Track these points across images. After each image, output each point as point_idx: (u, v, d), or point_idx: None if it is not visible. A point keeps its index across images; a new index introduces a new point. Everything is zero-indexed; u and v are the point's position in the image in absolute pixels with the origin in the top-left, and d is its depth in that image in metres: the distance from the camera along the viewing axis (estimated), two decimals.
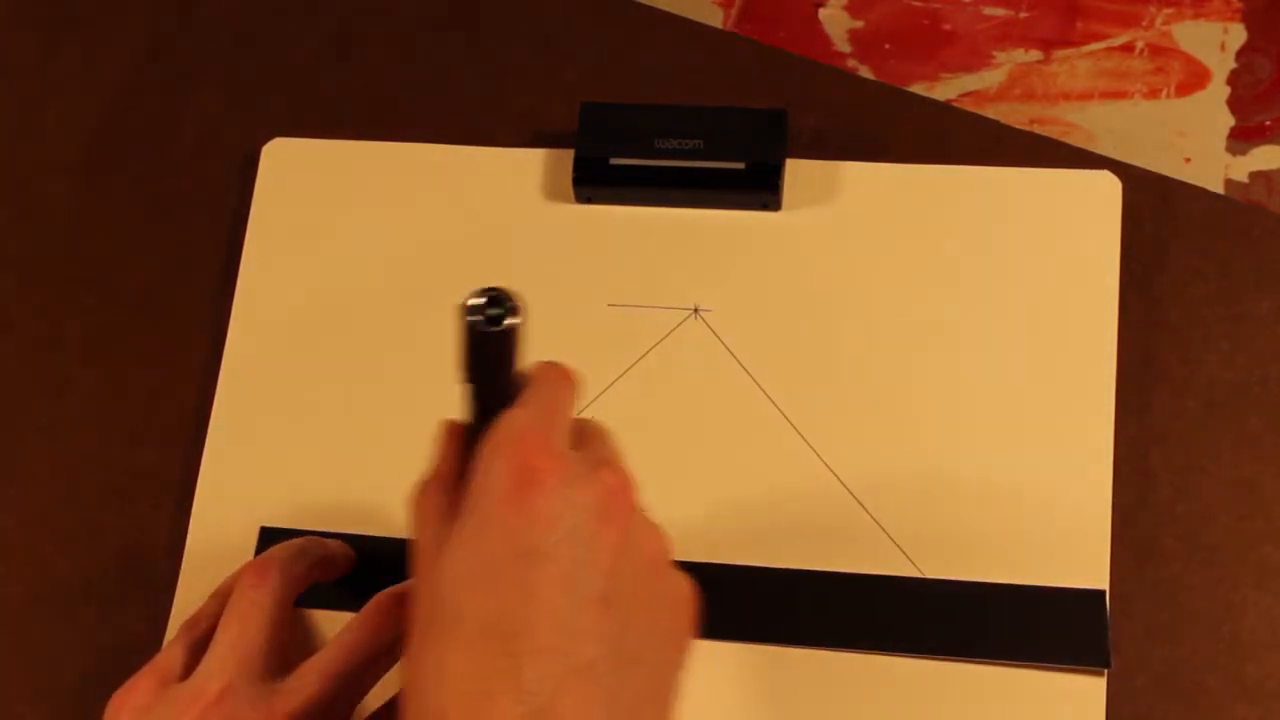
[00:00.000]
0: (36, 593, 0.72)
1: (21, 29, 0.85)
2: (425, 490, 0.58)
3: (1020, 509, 0.68)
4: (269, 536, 0.71)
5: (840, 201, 0.74)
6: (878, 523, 0.68)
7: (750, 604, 0.68)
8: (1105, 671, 0.65)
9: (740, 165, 0.74)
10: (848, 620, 0.67)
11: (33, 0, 0.85)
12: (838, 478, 0.69)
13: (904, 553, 0.68)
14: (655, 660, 0.56)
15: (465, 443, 0.57)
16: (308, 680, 0.62)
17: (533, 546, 0.53)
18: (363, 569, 0.69)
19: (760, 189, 0.74)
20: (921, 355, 0.71)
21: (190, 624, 0.66)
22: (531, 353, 0.73)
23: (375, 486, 0.71)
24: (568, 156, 0.75)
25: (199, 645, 0.64)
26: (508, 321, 0.55)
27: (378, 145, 0.78)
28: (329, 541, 0.69)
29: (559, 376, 0.59)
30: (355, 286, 0.75)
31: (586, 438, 0.59)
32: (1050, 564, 0.67)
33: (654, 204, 0.75)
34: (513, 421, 0.56)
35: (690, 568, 0.69)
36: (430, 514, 0.57)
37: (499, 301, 0.55)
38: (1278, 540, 0.68)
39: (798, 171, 0.75)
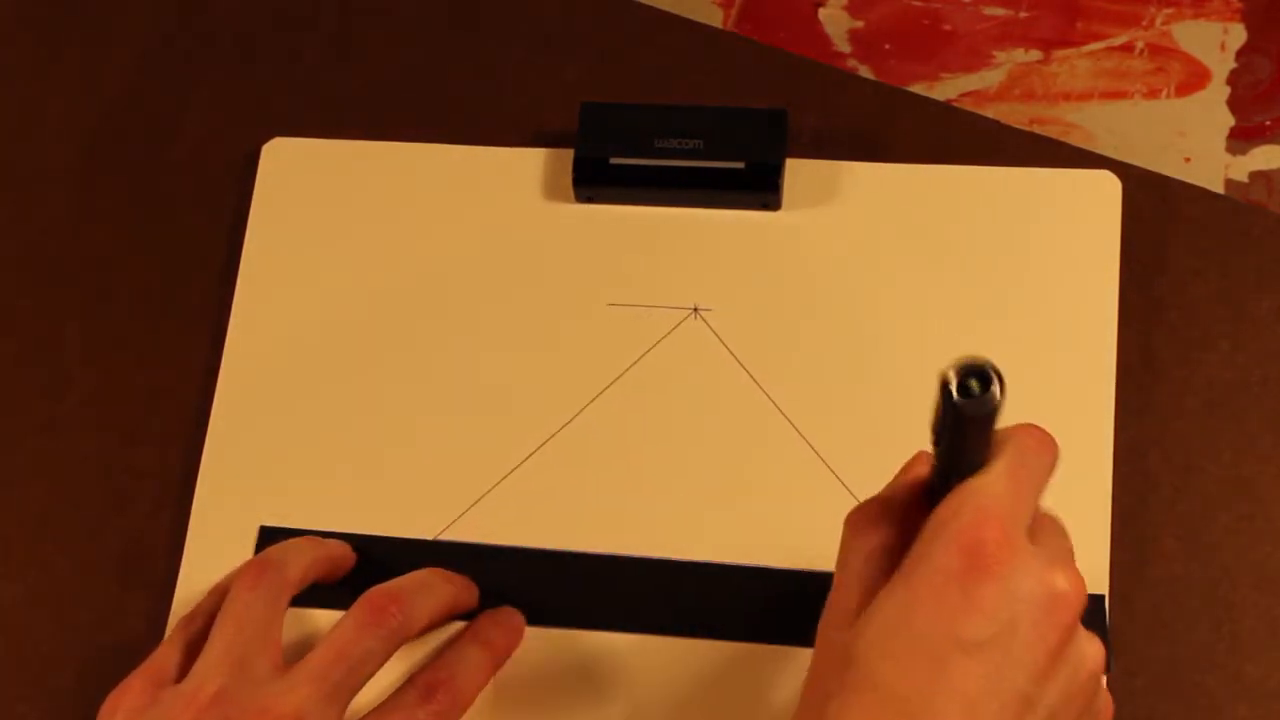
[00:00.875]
0: (36, 593, 0.72)
1: (22, 30, 0.85)
2: (866, 528, 0.56)
3: None
4: (269, 536, 0.71)
5: (840, 201, 0.74)
6: None
7: (754, 603, 0.68)
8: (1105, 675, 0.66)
9: (740, 165, 0.74)
10: None
11: (33, 1, 0.85)
12: (838, 478, 0.69)
13: None
14: None
15: (924, 494, 0.56)
16: (300, 680, 0.62)
17: (965, 635, 0.52)
18: (363, 568, 0.69)
19: (760, 189, 0.74)
20: (921, 355, 0.71)
21: (187, 620, 0.66)
22: (531, 353, 0.73)
23: (375, 486, 0.71)
24: (568, 156, 0.75)
25: (195, 643, 0.64)
26: (992, 399, 0.52)
27: (378, 145, 0.78)
28: (329, 541, 0.69)
29: (1039, 446, 0.56)
30: (355, 286, 0.75)
31: (1044, 530, 0.56)
32: None
33: (654, 204, 0.75)
34: (977, 495, 0.53)
35: (690, 567, 0.69)
36: (861, 559, 0.56)
37: (983, 376, 0.52)
38: (1278, 540, 0.68)
39: (798, 171, 0.75)
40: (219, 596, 0.66)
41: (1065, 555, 0.56)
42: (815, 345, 0.72)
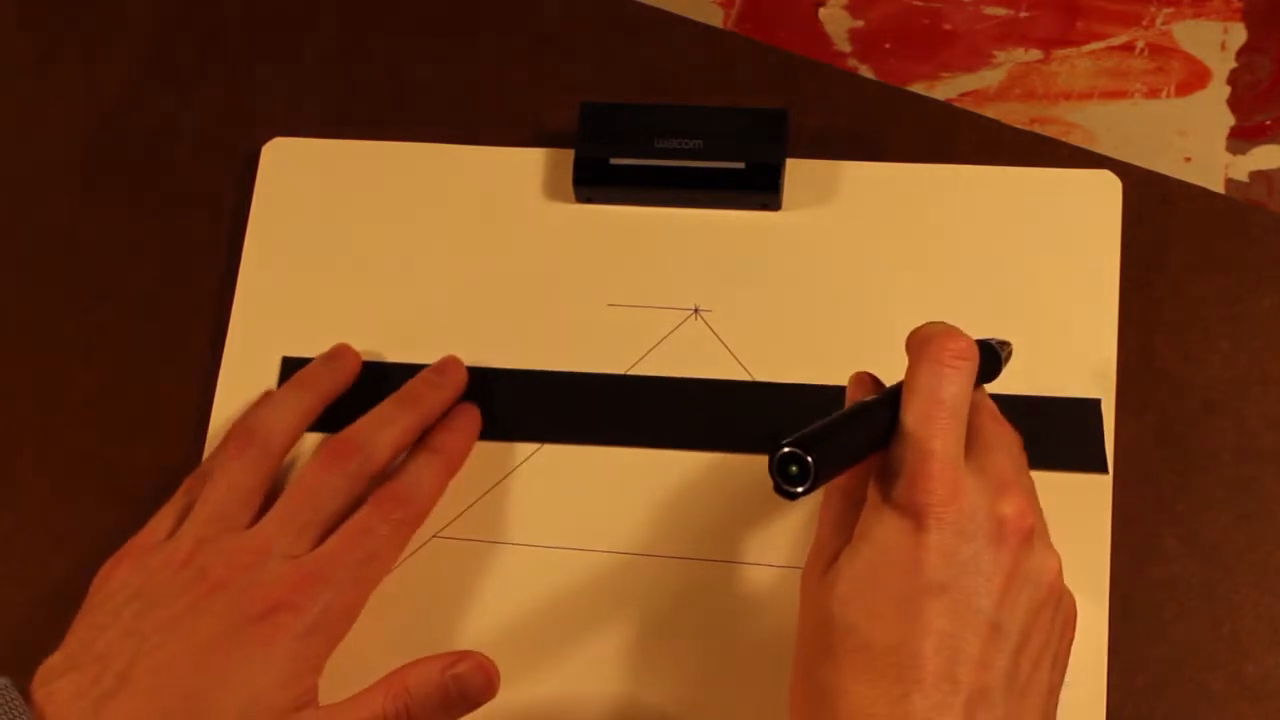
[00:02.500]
0: (35, 593, 0.72)
1: (21, 30, 0.84)
2: (828, 494, 0.61)
3: None
4: None
5: (840, 201, 0.74)
6: None
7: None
8: (1108, 474, 0.68)
9: (740, 165, 0.74)
10: None
11: (33, 1, 0.85)
12: None
13: None
14: (1044, 687, 0.58)
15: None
16: (268, 521, 0.66)
17: (931, 580, 0.56)
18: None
19: (760, 189, 0.74)
20: None
21: (181, 493, 0.69)
22: (532, 353, 0.73)
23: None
24: (568, 156, 0.75)
25: (185, 512, 0.68)
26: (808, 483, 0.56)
27: (378, 145, 0.78)
28: (315, 383, 0.72)
29: (942, 373, 0.59)
30: (355, 286, 0.75)
31: (981, 446, 0.60)
32: None
33: (654, 204, 0.75)
34: (909, 456, 0.58)
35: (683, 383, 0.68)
36: (828, 520, 0.61)
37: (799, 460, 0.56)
38: (1278, 540, 0.68)
39: (798, 171, 0.75)
40: (216, 462, 0.69)
41: (1005, 477, 0.59)
42: (815, 345, 0.72)
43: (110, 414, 0.75)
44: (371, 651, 0.67)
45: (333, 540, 0.66)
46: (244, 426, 0.69)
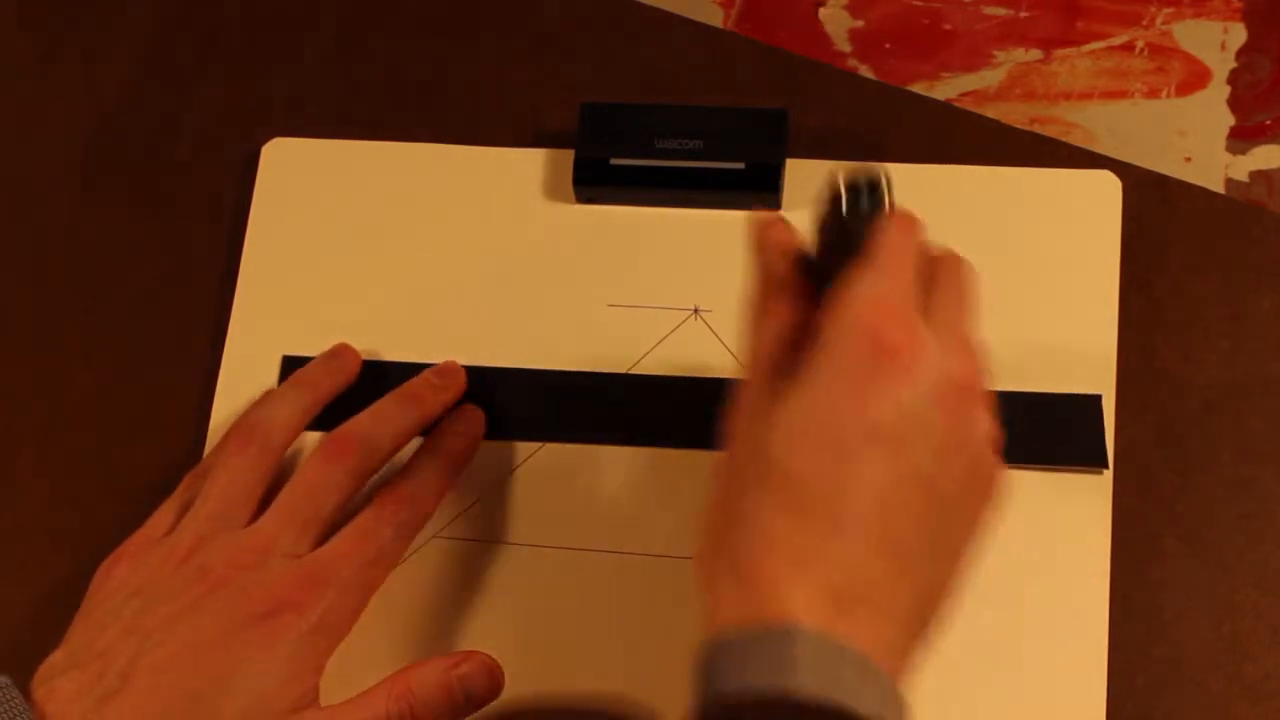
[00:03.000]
0: (35, 593, 0.72)
1: (21, 29, 0.85)
2: (768, 310, 0.59)
3: (1020, 508, 0.68)
4: None
5: None
6: None
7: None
8: (1107, 471, 0.68)
9: (740, 165, 0.74)
10: None
11: (33, 1, 0.85)
12: None
13: None
14: (962, 552, 0.57)
15: (805, 271, 0.59)
16: (269, 519, 0.66)
17: (874, 422, 0.54)
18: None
19: (760, 189, 0.74)
20: None
21: (183, 488, 0.69)
22: (532, 354, 0.73)
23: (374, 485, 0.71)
24: (568, 156, 0.75)
25: (187, 507, 0.67)
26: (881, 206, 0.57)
27: (378, 145, 0.78)
28: (317, 381, 0.71)
29: (905, 226, 0.59)
30: (355, 286, 0.75)
31: (935, 305, 0.58)
32: (1050, 565, 0.67)
33: (654, 204, 0.75)
34: (867, 288, 0.56)
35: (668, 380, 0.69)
36: (768, 342, 0.59)
37: (872, 184, 0.57)
38: (1278, 540, 0.68)
39: (798, 172, 0.74)
40: (217, 459, 0.69)
41: (957, 334, 0.58)
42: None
43: (110, 414, 0.75)
44: (372, 651, 0.67)
45: (336, 541, 0.66)
46: (244, 423, 0.69)
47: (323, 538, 0.66)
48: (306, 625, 0.63)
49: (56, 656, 0.64)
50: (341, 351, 0.73)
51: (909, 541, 0.54)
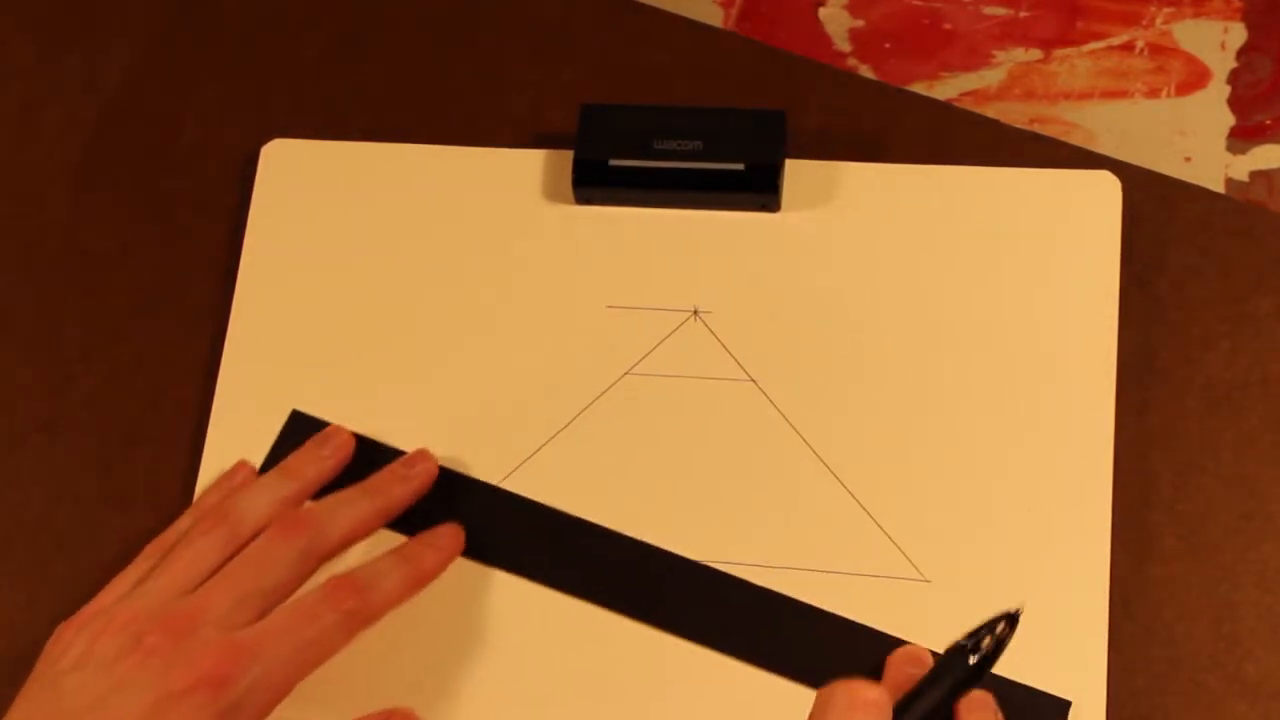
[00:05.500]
0: (36, 594, 0.72)
1: (21, 29, 0.85)
2: None
3: (1020, 509, 0.68)
4: None
5: (840, 202, 0.74)
6: (878, 523, 0.68)
7: (740, 617, 0.68)
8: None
9: (739, 166, 0.74)
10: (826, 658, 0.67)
11: (33, 1, 0.85)
12: (838, 478, 0.69)
13: (903, 553, 0.68)
14: None
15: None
16: (211, 586, 0.65)
17: None
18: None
19: (760, 190, 0.74)
20: (921, 356, 0.71)
21: (141, 559, 0.68)
22: (531, 355, 0.73)
23: None
24: (567, 157, 0.75)
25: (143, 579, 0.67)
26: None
27: (378, 146, 0.78)
28: (297, 474, 0.70)
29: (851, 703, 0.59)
30: (355, 287, 0.75)
31: None
32: (1050, 565, 0.67)
33: (653, 205, 0.75)
34: None
35: (689, 567, 0.69)
36: None
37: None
38: (1278, 540, 0.68)
39: (797, 172, 0.74)
40: (191, 518, 0.69)
41: None
42: (815, 346, 0.72)
43: (110, 414, 0.75)
44: (354, 675, 0.67)
45: (275, 615, 0.64)
46: (218, 508, 0.68)
47: (262, 613, 0.64)
48: (225, 703, 0.62)
49: None
50: (331, 437, 0.72)
51: None
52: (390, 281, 0.75)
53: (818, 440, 0.70)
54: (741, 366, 0.72)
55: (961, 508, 0.68)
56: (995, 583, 0.67)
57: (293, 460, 0.71)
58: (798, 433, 0.70)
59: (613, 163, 0.74)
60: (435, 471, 0.71)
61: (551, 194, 0.76)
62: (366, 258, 0.76)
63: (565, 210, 0.76)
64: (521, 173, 0.76)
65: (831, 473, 0.69)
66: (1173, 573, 0.68)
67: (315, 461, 0.71)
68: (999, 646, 0.60)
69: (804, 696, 0.61)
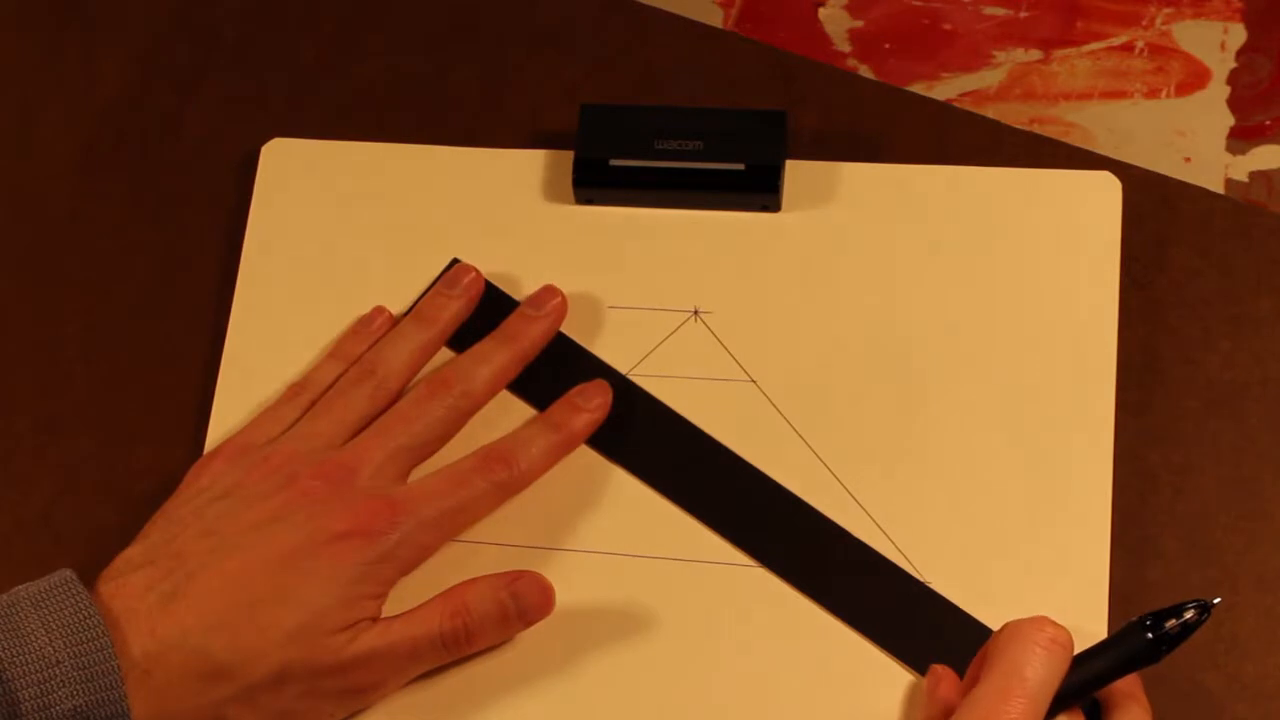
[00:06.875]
0: None
1: (21, 29, 0.84)
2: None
3: (1020, 508, 0.68)
4: None
5: (840, 202, 0.74)
6: (877, 524, 0.68)
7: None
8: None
9: (740, 166, 0.74)
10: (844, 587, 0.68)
11: (33, 1, 0.85)
12: (837, 479, 0.69)
13: (903, 553, 0.68)
14: None
15: None
16: (362, 439, 0.68)
17: None
18: None
19: (760, 190, 0.74)
20: (921, 356, 0.71)
21: (293, 393, 0.71)
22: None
23: None
24: (568, 157, 0.75)
25: (286, 420, 0.70)
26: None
27: (378, 145, 0.78)
28: (440, 316, 0.72)
29: (1032, 637, 0.60)
30: (355, 287, 0.75)
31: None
32: (1050, 565, 0.67)
33: (654, 205, 0.75)
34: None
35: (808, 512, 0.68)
36: None
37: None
38: (1278, 540, 0.68)
39: (798, 172, 0.75)
40: (335, 364, 0.71)
41: None
42: (815, 347, 0.72)
43: (110, 414, 0.75)
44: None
45: (429, 479, 0.67)
46: (364, 360, 0.71)
47: (411, 467, 0.68)
48: (376, 552, 0.65)
49: (132, 551, 0.66)
50: (460, 276, 0.73)
51: None
52: (390, 281, 0.75)
53: (818, 440, 0.70)
54: (741, 367, 0.72)
55: (961, 508, 0.68)
56: (995, 582, 0.67)
57: (426, 305, 0.73)
58: (798, 433, 0.70)
59: (613, 163, 0.74)
60: (566, 306, 0.73)
61: (551, 194, 0.76)
62: (366, 257, 0.76)
63: (565, 210, 0.76)
64: (521, 173, 0.76)
65: (831, 473, 0.69)
66: (1173, 573, 0.68)
67: (448, 302, 0.73)
68: (1185, 630, 0.60)
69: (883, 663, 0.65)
